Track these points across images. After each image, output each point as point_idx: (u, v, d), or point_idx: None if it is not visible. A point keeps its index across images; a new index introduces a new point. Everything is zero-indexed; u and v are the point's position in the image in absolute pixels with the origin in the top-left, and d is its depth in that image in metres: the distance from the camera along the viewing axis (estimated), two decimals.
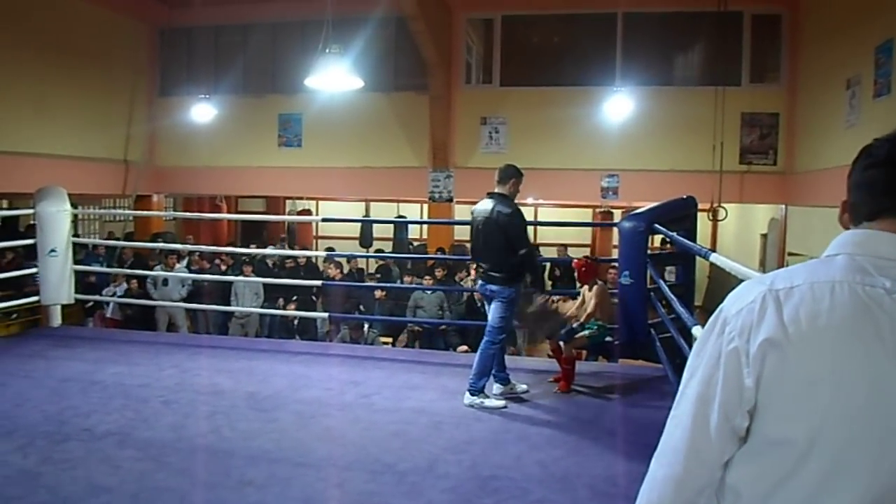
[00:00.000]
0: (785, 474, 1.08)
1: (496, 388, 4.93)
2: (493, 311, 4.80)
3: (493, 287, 4.76)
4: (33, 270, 6.93)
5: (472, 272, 8.53)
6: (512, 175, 4.92)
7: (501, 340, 4.78)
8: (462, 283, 9.22)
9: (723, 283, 14.12)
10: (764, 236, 12.26)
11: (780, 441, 1.09)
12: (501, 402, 4.68)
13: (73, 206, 7.12)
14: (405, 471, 3.56)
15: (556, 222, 14.48)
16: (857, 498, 1.04)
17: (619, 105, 10.38)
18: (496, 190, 4.91)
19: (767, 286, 1.13)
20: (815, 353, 1.06)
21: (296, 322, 9.85)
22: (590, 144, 10.91)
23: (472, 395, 4.66)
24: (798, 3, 10.27)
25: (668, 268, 7.01)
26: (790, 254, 10.55)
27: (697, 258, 5.18)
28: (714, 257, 3.49)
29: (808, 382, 1.06)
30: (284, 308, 9.61)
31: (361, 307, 9.76)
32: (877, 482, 1.04)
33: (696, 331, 3.52)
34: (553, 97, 11.03)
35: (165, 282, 9.78)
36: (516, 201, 4.91)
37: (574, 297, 5.68)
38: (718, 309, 1.18)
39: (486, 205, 4.87)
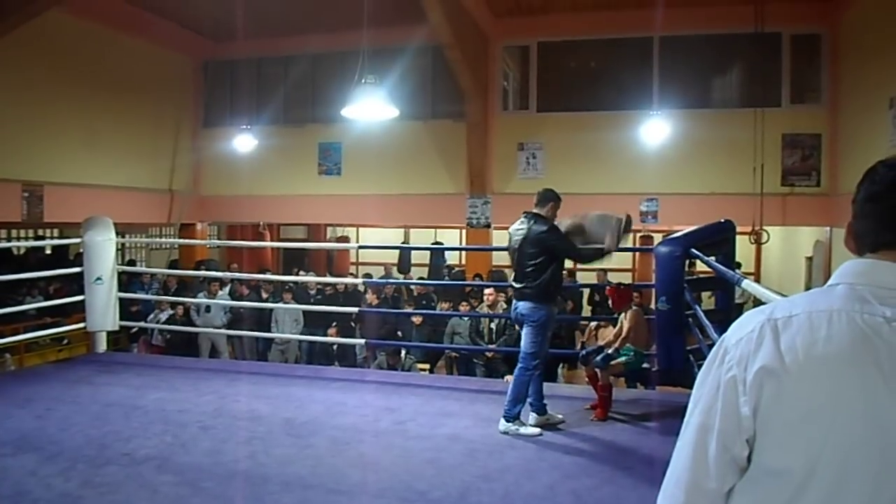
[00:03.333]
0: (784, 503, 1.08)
1: (531, 417, 4.87)
2: (524, 337, 4.79)
3: (524, 310, 4.76)
4: (80, 298, 7.13)
5: (488, 299, 8.50)
6: (550, 199, 4.98)
7: (535, 366, 4.73)
8: (478, 309, 9.13)
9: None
10: (809, 259, 12.00)
11: (778, 471, 1.08)
12: (537, 430, 4.65)
13: (120, 234, 7.33)
14: (437, 499, 3.56)
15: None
16: None
17: (656, 129, 10.32)
18: (534, 211, 4.91)
19: (767, 315, 1.13)
20: (811, 383, 1.06)
21: (335, 348, 9.93)
22: (628, 168, 10.86)
23: (507, 421, 4.64)
24: (837, 22, 10.13)
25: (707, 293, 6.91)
26: None
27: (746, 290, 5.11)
28: (746, 284, 3.43)
29: (806, 412, 1.06)
30: (324, 335, 9.70)
31: (399, 333, 9.80)
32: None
33: None
34: (590, 122, 11.02)
35: (208, 308, 9.96)
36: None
37: (614, 324, 5.64)
38: (721, 338, 1.19)
39: (521, 224, 4.90)
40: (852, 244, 1.24)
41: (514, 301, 4.96)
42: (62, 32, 9.83)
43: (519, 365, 4.75)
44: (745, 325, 1.16)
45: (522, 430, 4.62)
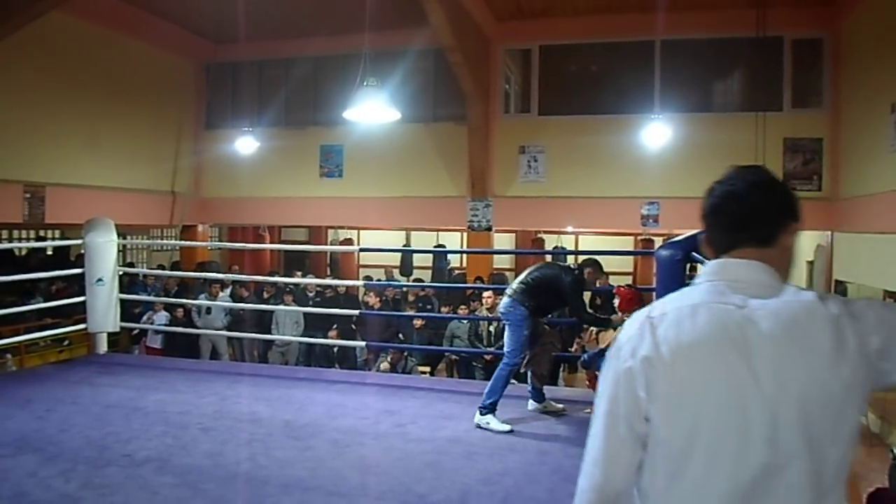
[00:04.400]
0: (674, 471, 1.31)
1: (530, 404, 5.22)
2: (506, 336, 5.06)
3: (502, 307, 5.05)
4: (81, 299, 7.13)
5: (487, 301, 8.52)
6: (590, 265, 5.26)
7: (517, 363, 4.96)
8: (478, 312, 9.14)
9: None
10: (810, 263, 12.00)
11: (666, 442, 1.32)
12: (507, 427, 4.75)
13: (121, 236, 7.33)
14: (437, 502, 3.56)
15: (596, 251, 14.40)
16: (730, 488, 1.26)
17: (658, 132, 10.32)
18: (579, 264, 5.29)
19: (646, 315, 1.40)
20: (683, 366, 1.31)
21: (335, 351, 9.93)
22: (629, 172, 10.86)
23: (481, 414, 4.76)
24: (839, 27, 10.14)
25: None
26: (837, 281, 10.31)
27: None
28: None
29: (681, 391, 1.30)
30: (325, 337, 9.70)
31: (401, 336, 9.81)
32: (743, 473, 1.26)
33: None
34: (591, 125, 11.03)
35: (209, 310, 9.97)
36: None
37: (614, 328, 5.63)
38: (615, 339, 1.44)
39: (558, 262, 5.51)
40: (709, 250, 1.49)
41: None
42: (65, 34, 9.85)
43: (502, 361, 4.98)
44: (632, 325, 1.41)
45: (493, 424, 4.73)
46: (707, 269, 1.44)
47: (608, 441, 1.37)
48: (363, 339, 9.08)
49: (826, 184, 10.36)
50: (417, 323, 9.52)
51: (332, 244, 17.12)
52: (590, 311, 5.42)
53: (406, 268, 16.20)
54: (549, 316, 5.74)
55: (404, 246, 17.41)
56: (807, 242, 12.05)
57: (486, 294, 8.60)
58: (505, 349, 5.03)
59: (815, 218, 10.43)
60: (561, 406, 5.20)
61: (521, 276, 5.18)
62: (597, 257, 5.50)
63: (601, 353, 5.32)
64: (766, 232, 1.42)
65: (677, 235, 5.92)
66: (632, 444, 1.36)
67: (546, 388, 5.39)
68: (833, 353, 1.27)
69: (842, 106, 10.15)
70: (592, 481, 1.39)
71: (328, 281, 11.35)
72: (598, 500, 1.38)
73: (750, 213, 1.42)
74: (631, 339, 1.38)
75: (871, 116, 8.98)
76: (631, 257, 15.06)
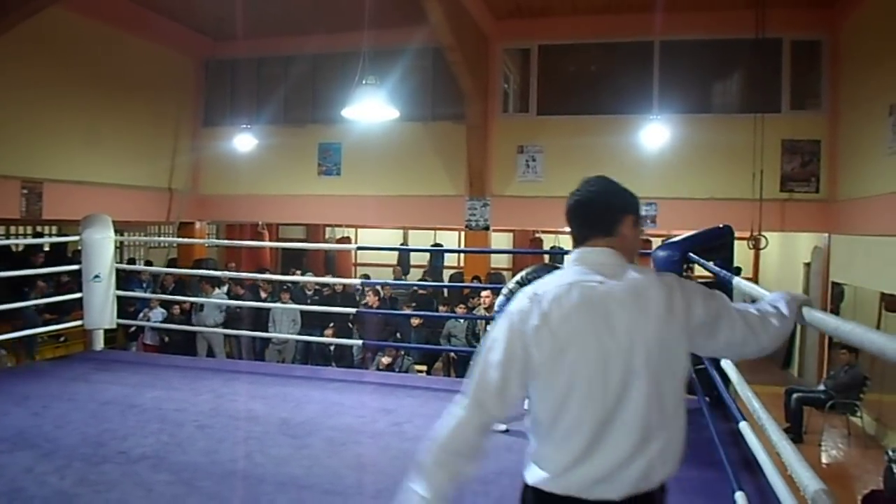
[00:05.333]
0: (559, 408, 1.77)
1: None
2: None
3: (499, 305, 5.13)
4: (78, 295, 7.12)
5: (485, 301, 8.54)
6: None
7: None
8: (475, 311, 9.15)
9: None
10: (807, 265, 12.02)
11: (552, 387, 1.78)
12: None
13: (119, 232, 7.32)
14: None
15: None
16: (598, 414, 1.74)
17: (656, 133, 10.32)
18: None
19: (533, 292, 1.84)
20: (563, 330, 1.76)
21: (332, 349, 9.93)
22: (627, 173, 10.75)
23: None
24: (838, 29, 10.15)
25: None
26: (834, 283, 10.32)
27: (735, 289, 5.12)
28: (736, 281, 3.45)
29: (562, 347, 1.76)
30: (322, 335, 9.70)
31: (398, 334, 9.81)
32: (607, 401, 1.74)
33: (726, 362, 3.47)
34: (590, 125, 11.03)
35: (201, 307, 9.97)
36: None
37: None
38: (506, 311, 1.87)
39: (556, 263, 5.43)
40: (573, 241, 1.96)
41: None
42: (63, 30, 9.83)
43: None
44: (521, 300, 1.85)
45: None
46: (572, 257, 1.92)
47: (493, 384, 1.81)
48: (361, 338, 9.08)
49: (824, 185, 10.37)
50: (415, 322, 9.52)
51: (329, 242, 17.11)
52: None
53: (403, 267, 16.21)
54: None
55: (402, 244, 17.42)
56: (804, 244, 12.08)
57: (483, 293, 8.60)
58: None
59: (813, 219, 10.46)
60: None
61: (518, 276, 5.18)
62: None
63: None
64: (608, 226, 1.90)
65: (675, 236, 5.94)
66: (517, 387, 1.82)
67: None
68: (665, 314, 1.78)
69: (840, 108, 10.16)
70: (478, 406, 1.83)
71: (324, 279, 11.33)
72: (484, 424, 1.86)
73: (594, 213, 1.93)
74: (522, 310, 1.82)
75: (869, 119, 8.99)
76: None
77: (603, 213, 1.92)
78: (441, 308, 10.30)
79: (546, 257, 10.79)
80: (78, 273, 7.12)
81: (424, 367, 9.33)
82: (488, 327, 8.42)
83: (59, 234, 13.01)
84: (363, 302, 10.02)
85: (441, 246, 16.27)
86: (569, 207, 1.96)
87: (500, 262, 15.78)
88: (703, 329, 1.82)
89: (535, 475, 1.84)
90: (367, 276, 12.38)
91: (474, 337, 8.78)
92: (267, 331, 9.91)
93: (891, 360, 1.42)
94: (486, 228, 11.52)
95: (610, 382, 1.74)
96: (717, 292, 1.88)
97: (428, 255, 16.59)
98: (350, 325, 9.91)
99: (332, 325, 9.92)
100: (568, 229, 1.96)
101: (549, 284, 1.83)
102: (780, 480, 2.49)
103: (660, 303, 1.78)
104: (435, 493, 1.85)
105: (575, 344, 1.75)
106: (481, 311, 8.66)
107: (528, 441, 1.90)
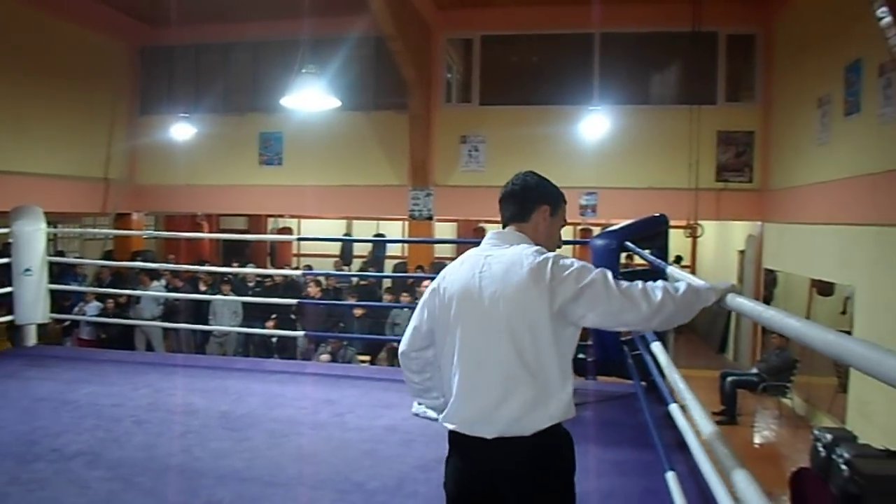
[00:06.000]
0: (448, 357, 2.17)
1: None
2: None
3: None
4: (8, 290, 6.90)
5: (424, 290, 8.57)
6: None
7: None
8: (418, 299, 9.20)
9: None
10: (741, 253, 12.38)
11: (443, 339, 2.19)
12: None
13: (52, 224, 7.11)
14: (374, 489, 3.57)
15: None
16: (469, 367, 2.10)
17: (596, 124, 10.49)
18: None
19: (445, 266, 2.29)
20: (447, 291, 2.18)
21: (274, 341, 9.83)
22: (568, 163, 11.00)
23: (418, 403, 4.74)
24: (771, 23, 10.46)
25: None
26: (767, 270, 10.67)
27: (670, 277, 5.24)
28: (670, 270, 3.54)
29: (447, 306, 2.17)
30: (263, 327, 9.60)
31: (342, 324, 9.77)
32: (475, 358, 2.09)
33: (656, 346, 3.57)
34: (532, 116, 11.14)
35: (138, 300, 9.76)
36: None
37: None
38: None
39: None
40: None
41: None
42: None
43: None
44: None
45: (430, 412, 4.73)
46: (487, 236, 2.26)
47: (414, 329, 2.30)
48: (303, 329, 9.01)
49: (757, 175, 10.70)
50: (358, 312, 9.50)
51: (271, 233, 16.90)
52: None
53: (346, 257, 16.12)
54: None
55: (345, 235, 17.31)
56: (738, 232, 12.44)
57: (424, 283, 8.62)
58: None
59: (747, 208, 10.78)
60: None
61: None
62: None
63: None
64: (523, 213, 2.26)
65: (614, 225, 6.05)
66: (426, 337, 2.28)
67: None
68: (529, 282, 2.03)
69: (772, 100, 10.49)
70: (402, 349, 2.36)
71: (265, 270, 11.21)
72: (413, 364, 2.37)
73: (514, 202, 2.27)
74: (435, 279, 2.27)
75: (800, 111, 9.31)
76: (570, 247, 15.24)
77: (521, 202, 2.26)
78: (385, 297, 10.29)
79: None
80: (7, 267, 6.89)
81: (368, 358, 9.31)
82: None
83: None
84: (305, 293, 9.94)
85: (383, 236, 16.23)
86: (500, 196, 2.32)
87: (443, 251, 15.82)
88: (573, 300, 2.01)
89: (444, 413, 2.22)
90: (308, 267, 12.28)
91: None
92: (207, 323, 9.76)
93: (808, 345, 1.49)
94: (430, 218, 11.55)
95: (479, 336, 2.08)
96: (593, 268, 2.07)
97: (371, 245, 16.53)
98: (293, 316, 9.82)
99: (274, 316, 9.81)
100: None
101: (457, 259, 2.27)
102: (705, 459, 2.57)
103: (526, 272, 2.05)
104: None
105: (455, 302, 2.13)
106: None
107: None
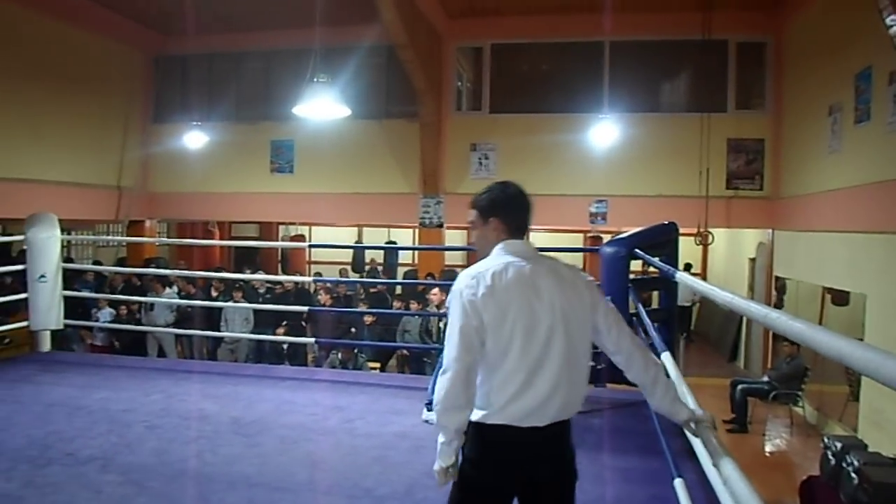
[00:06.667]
0: (501, 358, 2.25)
1: None
2: None
3: (449, 302, 5.01)
4: (23, 296, 6.97)
5: (435, 298, 8.60)
6: None
7: None
8: (428, 307, 9.20)
9: (712, 307, 14.22)
10: (752, 260, 12.35)
11: (498, 342, 2.24)
12: None
13: (66, 231, 7.18)
14: (383, 496, 3.60)
15: (545, 248, 14.60)
16: (529, 363, 2.24)
17: (606, 131, 10.51)
18: None
19: (475, 272, 2.31)
20: (503, 297, 2.25)
21: (285, 347, 9.88)
22: (578, 170, 11.03)
23: (428, 410, 4.79)
24: (781, 31, 10.46)
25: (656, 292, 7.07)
26: (777, 277, 10.63)
27: (680, 284, 5.25)
28: (679, 276, 3.56)
29: (503, 311, 2.24)
30: (274, 334, 9.64)
31: (353, 330, 9.81)
32: (535, 356, 2.24)
33: (665, 356, 3.58)
34: (542, 124, 11.17)
35: (151, 307, 9.83)
36: None
37: None
38: (455, 289, 2.32)
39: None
40: (501, 234, 2.41)
41: None
42: (6, 22, 9.60)
43: None
44: (465, 279, 2.31)
45: None
46: (502, 248, 2.38)
47: (462, 344, 2.23)
48: (314, 336, 9.05)
49: (767, 183, 10.67)
50: (368, 319, 9.53)
51: (283, 240, 16.99)
52: None
53: (358, 264, 16.18)
54: None
55: (356, 242, 17.37)
56: (749, 240, 12.41)
57: (433, 291, 8.66)
58: None
59: (757, 216, 10.76)
60: None
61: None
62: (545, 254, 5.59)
63: None
64: (526, 227, 2.45)
65: (624, 233, 6.07)
66: (477, 348, 2.24)
67: None
68: (575, 291, 2.32)
69: (783, 108, 10.48)
70: (456, 372, 2.22)
71: (277, 277, 11.27)
72: (463, 385, 2.23)
73: (530, 213, 2.46)
74: (469, 285, 2.27)
75: (811, 119, 9.29)
76: (581, 254, 15.25)
77: (529, 218, 2.49)
78: (395, 304, 10.33)
79: None
80: (23, 273, 6.97)
81: (378, 365, 9.34)
82: (440, 324, 8.49)
83: (2, 234, 12.68)
84: (316, 300, 9.99)
85: (395, 243, 16.28)
86: (521, 204, 2.46)
87: (454, 259, 15.85)
88: (602, 325, 2.37)
89: (478, 413, 2.29)
90: (318, 274, 12.32)
91: (427, 333, 8.83)
92: (219, 330, 9.81)
93: (810, 347, 1.51)
94: (440, 226, 11.59)
95: (539, 337, 2.25)
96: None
97: (382, 253, 16.58)
98: (304, 323, 9.87)
99: (285, 323, 9.87)
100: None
101: (488, 265, 2.33)
102: (711, 466, 2.59)
103: (575, 283, 2.36)
104: (449, 438, 2.28)
105: (512, 309, 2.25)
106: (433, 309, 8.71)
107: (478, 393, 2.32)
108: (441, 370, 2.27)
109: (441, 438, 2.30)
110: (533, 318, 2.25)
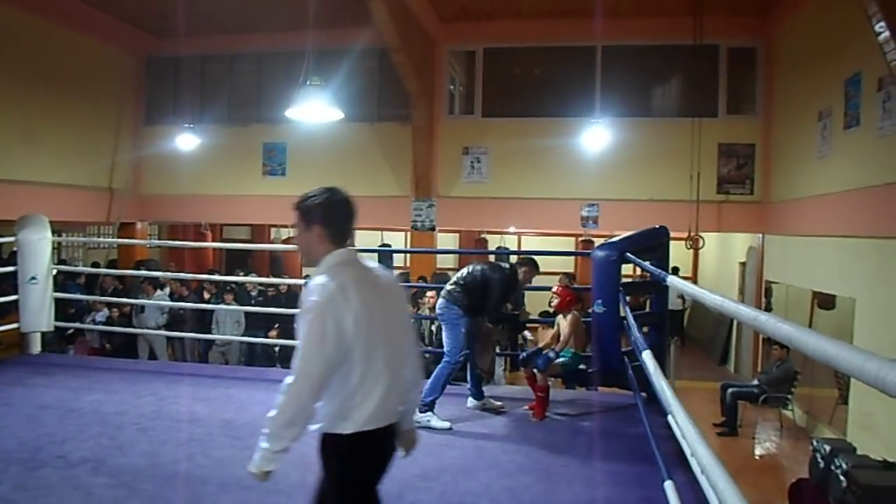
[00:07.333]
0: (367, 362, 2.34)
1: (469, 401, 5.34)
2: (444, 336, 5.17)
3: (438, 308, 5.20)
4: (14, 298, 6.95)
5: (429, 301, 8.62)
6: (526, 264, 5.51)
7: (457, 362, 5.05)
8: (420, 310, 9.21)
9: (703, 312, 14.28)
10: (743, 265, 12.42)
11: (359, 354, 2.32)
12: (447, 424, 4.84)
13: (57, 233, 7.16)
14: None
15: (536, 251, 14.67)
16: (389, 370, 2.39)
17: (598, 136, 10.54)
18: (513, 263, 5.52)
19: (338, 283, 2.32)
20: (357, 309, 2.30)
21: (276, 350, 9.87)
22: (570, 174, 11.07)
23: (420, 411, 4.81)
24: (772, 36, 10.52)
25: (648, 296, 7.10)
26: (768, 282, 10.69)
27: (670, 286, 5.28)
28: (670, 280, 3.58)
29: (362, 322, 2.30)
30: (266, 337, 9.63)
31: None
32: (395, 360, 2.44)
33: (646, 355, 3.60)
34: (534, 128, 11.20)
35: (142, 309, 9.81)
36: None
37: (551, 326, 5.77)
38: (313, 301, 2.30)
39: (492, 261, 5.60)
40: (326, 240, 2.45)
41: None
42: None
43: (443, 360, 5.07)
44: (327, 290, 2.31)
45: (433, 422, 4.79)
46: (339, 256, 2.43)
47: (325, 361, 2.26)
48: None
49: (758, 188, 10.73)
50: None
51: (275, 243, 16.96)
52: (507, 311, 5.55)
53: None
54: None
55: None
56: (739, 244, 12.48)
57: (428, 294, 8.67)
58: (444, 349, 5.12)
59: (748, 221, 10.82)
60: (499, 404, 5.32)
61: (455, 277, 5.31)
62: (537, 257, 5.63)
63: (538, 352, 5.45)
64: (350, 235, 2.55)
65: (615, 237, 6.11)
66: (336, 358, 2.28)
67: (486, 388, 5.49)
68: (400, 297, 2.63)
69: (773, 113, 10.54)
70: (311, 385, 2.28)
71: (268, 279, 11.26)
72: (312, 397, 2.31)
73: (352, 225, 2.54)
74: (334, 298, 2.29)
75: (801, 124, 9.35)
76: (572, 258, 15.30)
77: (355, 221, 2.59)
78: None
79: (491, 257, 10.92)
80: (13, 275, 6.94)
81: None
82: (433, 327, 8.50)
83: None
84: None
85: (389, 246, 16.28)
86: (350, 213, 2.57)
87: (445, 262, 15.89)
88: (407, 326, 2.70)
89: (355, 423, 2.37)
90: (307, 277, 12.28)
91: (420, 337, 8.83)
92: (210, 332, 9.80)
93: (797, 348, 1.53)
94: (432, 229, 11.59)
95: (397, 342, 2.46)
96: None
97: (375, 256, 16.55)
98: (295, 326, 9.85)
99: (276, 326, 9.86)
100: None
101: (347, 275, 2.38)
102: (699, 469, 2.61)
103: (396, 287, 2.66)
104: (285, 447, 2.39)
105: (366, 318, 2.33)
106: (426, 312, 8.72)
107: (328, 406, 2.40)
108: (292, 382, 2.30)
109: (276, 447, 2.36)
110: (384, 323, 2.39)
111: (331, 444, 2.44)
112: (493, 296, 5.18)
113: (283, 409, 2.31)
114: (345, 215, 2.53)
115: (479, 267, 5.32)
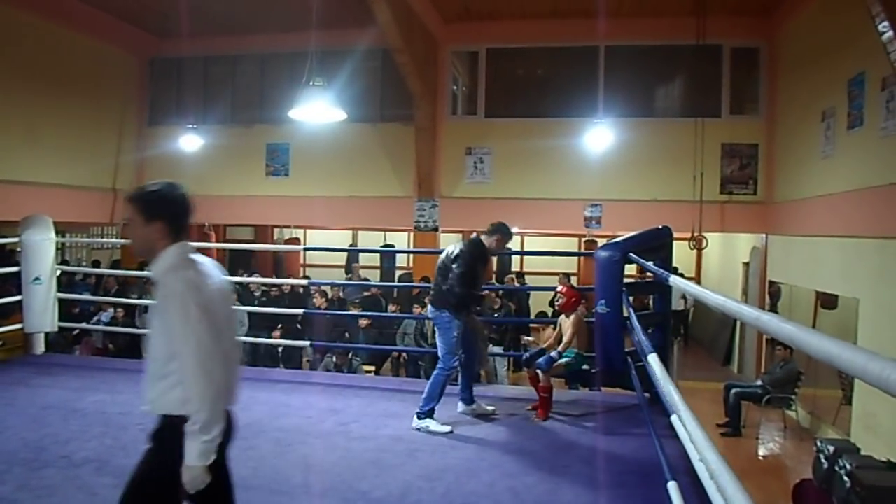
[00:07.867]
0: (228, 348, 2.45)
1: (460, 406, 5.26)
2: (438, 342, 5.08)
3: (430, 313, 5.12)
4: (17, 298, 6.96)
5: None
6: (497, 231, 5.20)
7: (453, 366, 4.98)
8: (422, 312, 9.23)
9: (706, 312, 14.26)
10: (746, 265, 12.39)
11: (225, 340, 2.42)
12: (447, 428, 4.80)
13: (60, 234, 7.17)
14: (378, 499, 3.61)
15: (540, 252, 14.68)
16: (235, 360, 2.56)
17: (601, 136, 10.53)
18: (481, 235, 5.24)
19: (198, 273, 2.41)
20: (217, 295, 2.41)
21: (280, 350, 9.88)
22: (573, 175, 11.06)
23: (419, 419, 4.79)
24: (775, 36, 10.51)
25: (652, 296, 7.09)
26: (771, 282, 10.67)
27: (673, 286, 5.27)
28: (673, 279, 3.57)
29: (221, 308, 2.41)
30: (269, 337, 9.63)
31: (347, 335, 9.80)
32: (235, 349, 2.63)
33: (652, 358, 3.59)
34: (537, 128, 11.20)
35: (146, 309, 9.81)
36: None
37: (554, 326, 5.76)
38: (182, 289, 2.30)
39: (457, 244, 5.19)
40: (166, 235, 2.45)
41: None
42: (0, 24, 9.58)
43: (438, 365, 4.99)
44: (193, 276, 2.36)
45: (433, 426, 4.77)
46: (184, 250, 2.46)
47: (216, 340, 2.29)
48: (309, 339, 9.04)
49: (761, 188, 10.71)
50: (363, 322, 9.53)
51: (278, 243, 16.98)
52: (469, 289, 4.98)
53: (349, 268, 16.20)
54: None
55: (351, 246, 17.37)
56: (743, 244, 12.45)
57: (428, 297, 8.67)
58: (439, 354, 5.03)
59: (751, 221, 10.80)
60: (491, 408, 5.27)
61: (436, 281, 5.14)
62: (540, 258, 5.59)
63: (541, 353, 5.44)
64: (188, 230, 2.56)
65: (619, 237, 6.10)
66: (212, 337, 2.29)
67: (487, 388, 5.48)
68: (230, 292, 2.75)
69: (776, 113, 10.53)
70: (219, 358, 2.32)
71: (271, 280, 11.27)
72: (218, 365, 2.32)
73: (190, 221, 2.56)
74: (198, 285, 2.33)
75: (804, 124, 9.34)
76: (575, 258, 15.30)
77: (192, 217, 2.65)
78: (391, 308, 10.33)
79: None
80: (17, 276, 6.96)
81: (373, 368, 9.34)
82: (434, 327, 8.50)
83: None
84: (311, 303, 9.99)
85: (392, 247, 16.28)
86: (189, 208, 2.59)
87: None
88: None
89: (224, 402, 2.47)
90: (307, 278, 12.31)
91: (422, 337, 8.84)
92: None
93: (799, 348, 1.53)
94: (435, 229, 11.60)
95: (232, 334, 2.59)
96: None
97: (378, 256, 16.59)
98: (298, 326, 9.87)
99: (280, 326, 9.86)
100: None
101: (205, 268, 2.47)
102: (704, 469, 2.61)
103: (228, 283, 2.74)
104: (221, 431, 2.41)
105: (222, 301, 2.46)
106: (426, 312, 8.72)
107: (178, 389, 2.37)
108: (192, 368, 2.28)
109: (208, 437, 2.33)
110: (225, 312, 2.50)
111: (179, 427, 2.35)
112: (471, 272, 4.94)
113: (213, 395, 2.28)
114: (186, 210, 2.53)
115: (449, 251, 5.13)
